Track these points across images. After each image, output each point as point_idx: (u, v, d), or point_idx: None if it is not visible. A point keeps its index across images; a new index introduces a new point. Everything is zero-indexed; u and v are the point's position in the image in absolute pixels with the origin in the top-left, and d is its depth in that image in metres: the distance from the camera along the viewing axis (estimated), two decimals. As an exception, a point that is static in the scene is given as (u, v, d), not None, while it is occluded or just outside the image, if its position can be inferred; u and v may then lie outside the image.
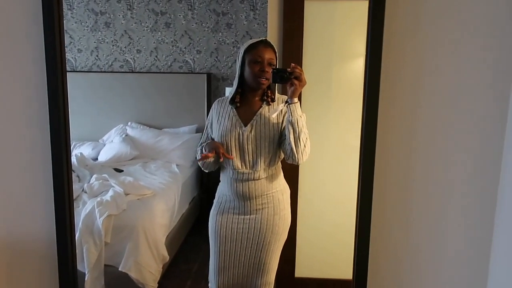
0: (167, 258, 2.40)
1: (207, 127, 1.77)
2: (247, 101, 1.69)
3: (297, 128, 1.56)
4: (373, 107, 1.18)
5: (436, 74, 1.22)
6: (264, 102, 1.67)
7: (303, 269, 2.21)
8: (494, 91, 1.21)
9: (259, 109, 1.67)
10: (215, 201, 1.78)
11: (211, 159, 1.64)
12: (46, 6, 1.09)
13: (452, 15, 1.19)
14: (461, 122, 1.24)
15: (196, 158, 1.79)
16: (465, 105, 1.23)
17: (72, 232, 1.22)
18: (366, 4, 1.26)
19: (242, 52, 1.65)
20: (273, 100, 1.68)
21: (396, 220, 1.30)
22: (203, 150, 1.69)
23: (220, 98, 1.77)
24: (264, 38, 1.68)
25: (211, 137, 1.73)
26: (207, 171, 1.76)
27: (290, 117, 1.56)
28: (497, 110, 1.21)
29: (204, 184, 3.40)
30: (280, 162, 1.71)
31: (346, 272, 2.16)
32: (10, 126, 1.24)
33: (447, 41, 1.20)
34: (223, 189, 1.74)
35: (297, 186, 2.09)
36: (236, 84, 1.68)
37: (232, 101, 1.69)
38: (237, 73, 1.67)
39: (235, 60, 3.44)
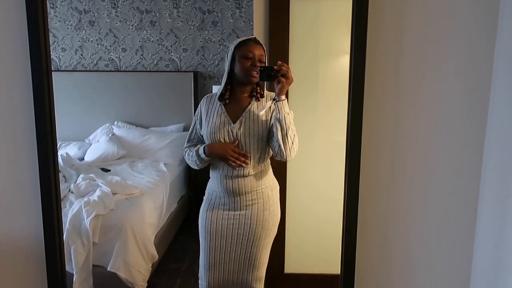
0: (156, 257, 2.40)
1: (195, 123, 1.76)
2: (236, 97, 1.69)
3: (284, 125, 1.57)
4: (358, 102, 1.20)
5: (420, 69, 1.24)
6: (253, 99, 1.68)
7: (292, 265, 2.23)
8: (477, 90, 1.24)
9: (248, 105, 1.67)
10: (205, 197, 1.79)
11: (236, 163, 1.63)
12: (30, 5, 1.08)
13: (437, 10, 1.22)
14: (444, 117, 1.27)
15: (185, 158, 1.78)
16: (448, 100, 1.26)
17: (60, 232, 1.21)
18: (351, 2, 1.28)
19: (232, 49, 1.65)
20: (262, 96, 1.69)
21: (382, 214, 1.32)
22: (201, 153, 1.67)
23: (208, 95, 1.77)
24: (253, 37, 1.69)
25: (200, 134, 1.73)
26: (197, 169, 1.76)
27: (278, 114, 1.57)
28: (479, 109, 1.25)
29: (192, 183, 3.40)
30: (269, 158, 1.72)
31: (335, 267, 2.18)
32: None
33: (431, 37, 1.23)
34: (213, 186, 1.75)
35: (285, 182, 2.10)
36: (225, 81, 1.68)
37: (221, 97, 1.69)
38: (226, 70, 1.68)
39: (222, 58, 3.48)
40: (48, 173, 1.19)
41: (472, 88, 1.25)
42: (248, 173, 1.67)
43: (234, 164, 1.63)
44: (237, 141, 1.64)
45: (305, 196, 2.20)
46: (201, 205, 1.80)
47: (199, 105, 1.75)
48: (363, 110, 1.21)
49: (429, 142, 1.28)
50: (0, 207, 1.27)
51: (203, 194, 1.82)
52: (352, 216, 1.25)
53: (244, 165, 1.64)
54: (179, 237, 2.99)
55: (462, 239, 1.32)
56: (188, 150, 1.77)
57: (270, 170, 1.76)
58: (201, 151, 1.67)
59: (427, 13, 1.22)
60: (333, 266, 2.18)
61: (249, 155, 1.64)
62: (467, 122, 1.27)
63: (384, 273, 1.35)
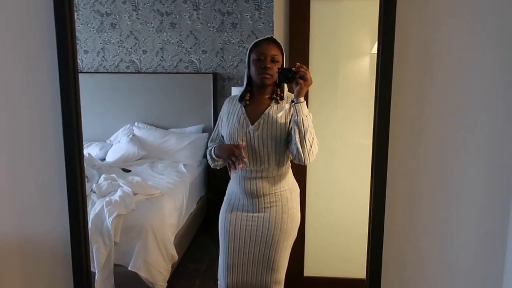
0: (176, 257, 2.42)
1: (218, 124, 1.79)
2: (256, 99, 1.70)
3: (302, 128, 1.56)
4: (386, 104, 1.18)
5: (450, 70, 1.21)
6: (273, 101, 1.68)
7: (312, 268, 2.22)
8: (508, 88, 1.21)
9: (267, 108, 1.67)
10: (225, 198, 1.80)
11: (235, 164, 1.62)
12: (58, 10, 1.11)
13: (466, 9, 1.18)
14: (474, 120, 1.23)
15: (207, 159, 1.80)
16: (479, 102, 1.22)
17: (86, 231, 1.24)
18: (372, 3, 1.27)
19: (248, 51, 1.67)
20: (282, 98, 1.69)
21: (409, 219, 1.29)
22: (213, 153, 1.71)
23: (231, 96, 1.78)
24: (270, 36, 1.69)
25: (221, 135, 1.75)
26: (218, 168, 1.78)
27: (296, 116, 1.57)
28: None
29: (211, 184, 3.41)
30: (289, 161, 1.72)
31: (355, 271, 2.16)
32: (24, 127, 1.26)
33: (461, 36, 1.19)
34: (232, 187, 1.76)
35: (305, 185, 2.09)
36: (246, 83, 1.70)
37: (242, 99, 1.70)
38: (245, 72, 1.70)
39: (241, 59, 3.49)
40: (74, 173, 1.21)
41: (505, 90, 1.21)
42: (267, 175, 1.66)
43: (230, 169, 1.62)
44: (244, 143, 1.63)
45: (325, 199, 2.18)
46: (220, 206, 1.81)
47: (222, 106, 1.77)
48: (390, 113, 1.19)
49: (458, 144, 1.25)
50: (28, 207, 1.30)
51: (222, 196, 1.82)
52: (378, 220, 1.23)
53: (236, 171, 1.62)
54: (198, 238, 3.01)
55: (494, 249, 1.28)
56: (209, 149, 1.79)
57: (290, 172, 1.76)
58: (213, 151, 1.70)
59: (457, 12, 1.19)
60: (353, 270, 2.16)
61: (246, 159, 1.63)
62: (500, 124, 1.23)
63: (412, 278, 1.32)
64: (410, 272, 1.32)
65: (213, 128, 3.38)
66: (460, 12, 1.19)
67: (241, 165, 1.62)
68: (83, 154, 1.25)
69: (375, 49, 2.06)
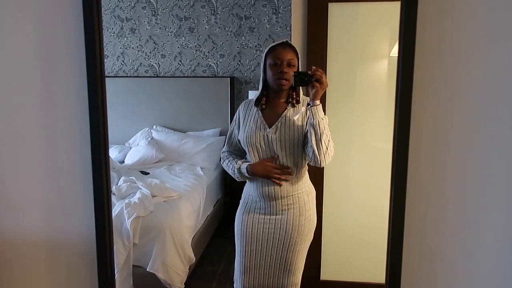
0: (193, 259, 2.44)
1: (233, 128, 1.80)
2: (272, 103, 1.71)
3: (318, 130, 1.57)
4: (406, 107, 1.17)
5: (472, 74, 1.20)
6: (289, 104, 1.69)
7: (328, 272, 2.21)
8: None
9: (284, 111, 1.68)
10: (241, 201, 1.81)
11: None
12: (87, 16, 1.15)
13: (488, 13, 1.17)
14: (501, 122, 1.21)
15: (222, 163, 1.81)
16: (505, 103, 1.19)
17: (111, 232, 1.27)
18: (390, 5, 1.26)
19: (264, 56, 1.68)
20: (298, 102, 1.69)
21: (430, 222, 1.28)
22: (245, 172, 1.68)
23: (247, 100, 1.79)
24: (285, 40, 1.70)
25: (238, 139, 1.76)
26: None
27: (312, 119, 1.57)
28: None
29: (228, 187, 3.43)
30: (306, 164, 1.72)
31: (372, 275, 2.15)
32: (54, 131, 1.30)
33: (484, 36, 1.17)
34: (249, 189, 1.77)
35: (322, 188, 2.09)
36: (261, 87, 1.71)
37: (258, 103, 1.71)
38: (261, 76, 1.71)
39: (258, 63, 3.51)
40: (100, 176, 1.24)
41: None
42: (284, 177, 1.67)
43: (279, 181, 1.65)
44: (277, 156, 1.65)
45: (342, 202, 2.17)
46: (236, 209, 1.82)
47: (237, 110, 1.78)
48: (410, 115, 1.18)
49: (483, 148, 1.22)
50: (56, 208, 1.34)
51: (239, 199, 1.83)
52: (398, 224, 1.22)
53: (288, 179, 1.66)
54: (215, 240, 3.03)
55: None
56: (227, 158, 1.79)
57: (307, 175, 1.76)
58: (243, 169, 1.69)
59: (478, 13, 1.18)
60: (370, 274, 2.15)
61: (290, 169, 1.65)
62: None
63: (432, 283, 1.31)
64: (431, 276, 1.30)
65: (230, 132, 3.41)
66: (484, 11, 1.17)
67: (287, 179, 1.66)
68: (108, 156, 1.29)
69: (393, 52, 2.06)
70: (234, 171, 1.73)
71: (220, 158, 1.85)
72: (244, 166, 1.70)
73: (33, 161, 1.32)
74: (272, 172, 1.65)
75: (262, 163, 1.67)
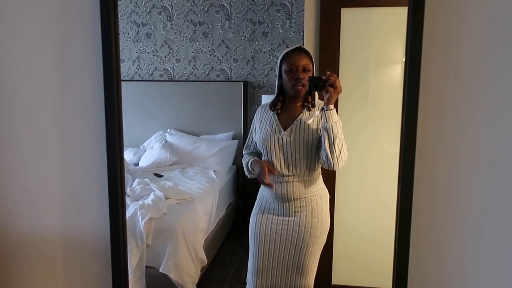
0: (206, 261, 2.46)
1: (251, 131, 1.85)
2: (288, 107, 1.74)
3: (331, 134, 1.58)
4: (413, 112, 1.18)
5: (479, 76, 1.20)
6: (305, 108, 1.71)
7: (340, 276, 2.20)
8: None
9: (299, 114, 1.70)
10: (256, 202, 1.83)
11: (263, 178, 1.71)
12: (104, 22, 1.19)
13: (496, 14, 1.17)
14: (508, 128, 1.21)
15: (236, 165, 1.85)
16: (510, 109, 1.20)
17: (125, 232, 1.30)
18: (402, 10, 1.27)
19: (279, 62, 1.70)
20: (313, 106, 1.72)
21: (436, 226, 1.28)
22: (250, 167, 1.78)
23: (264, 104, 1.83)
24: (298, 45, 1.72)
25: (255, 142, 1.80)
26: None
27: (326, 123, 1.59)
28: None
29: (240, 191, 3.45)
30: (320, 167, 1.73)
31: (384, 280, 2.14)
32: (71, 132, 1.35)
33: (490, 41, 1.18)
34: (263, 191, 1.80)
35: (334, 192, 2.09)
36: (277, 92, 1.74)
37: (273, 107, 1.74)
38: (276, 82, 1.74)
39: (271, 68, 3.53)
40: (115, 177, 1.27)
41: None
42: (298, 180, 1.69)
43: (264, 182, 1.69)
44: (277, 173, 1.70)
45: (354, 206, 2.17)
46: (249, 213, 1.85)
47: (255, 114, 1.83)
48: (417, 120, 1.19)
49: (489, 153, 1.23)
50: (72, 208, 1.38)
51: (251, 202, 1.86)
52: (405, 228, 1.22)
53: (273, 186, 1.70)
54: (227, 243, 3.05)
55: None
56: (245, 157, 1.86)
57: (320, 178, 1.77)
58: (250, 165, 1.78)
59: (484, 20, 1.18)
60: (382, 279, 2.14)
61: (277, 173, 1.69)
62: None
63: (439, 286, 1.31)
64: (436, 282, 1.30)
65: (243, 135, 3.44)
66: (489, 17, 1.18)
67: (271, 185, 1.70)
68: (123, 157, 1.32)
69: (406, 57, 2.06)
70: (246, 167, 1.82)
71: (234, 162, 1.88)
72: (250, 162, 1.78)
73: (52, 162, 1.36)
74: (260, 174, 1.69)
75: (261, 163, 1.71)
